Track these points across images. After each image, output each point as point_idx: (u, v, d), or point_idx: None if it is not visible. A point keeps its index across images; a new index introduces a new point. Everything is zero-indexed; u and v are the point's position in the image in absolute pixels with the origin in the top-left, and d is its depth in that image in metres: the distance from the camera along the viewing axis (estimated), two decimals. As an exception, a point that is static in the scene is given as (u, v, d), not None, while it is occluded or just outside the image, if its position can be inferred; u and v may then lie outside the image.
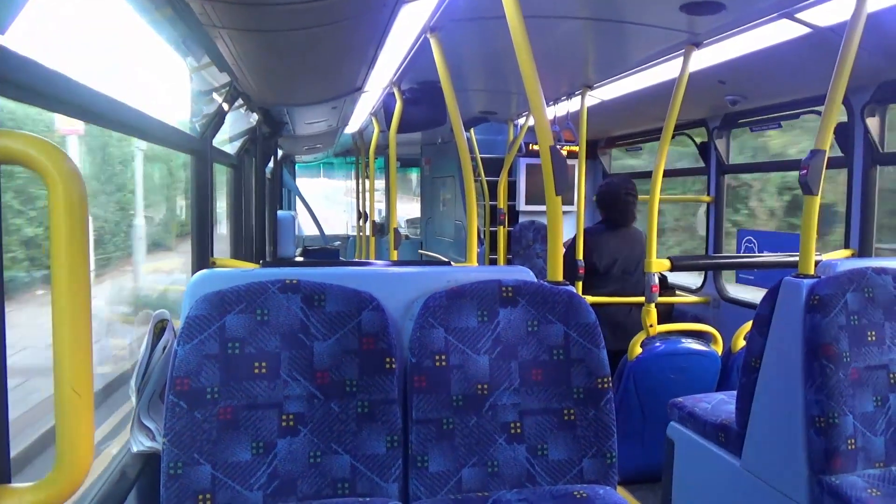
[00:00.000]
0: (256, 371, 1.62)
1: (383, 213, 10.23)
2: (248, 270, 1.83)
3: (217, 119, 2.99)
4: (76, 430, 0.88)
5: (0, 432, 1.07)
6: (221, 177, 4.40)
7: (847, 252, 3.17)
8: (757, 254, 3.95)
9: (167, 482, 1.54)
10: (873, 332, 2.06)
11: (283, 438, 1.62)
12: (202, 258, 2.89)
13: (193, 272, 1.96)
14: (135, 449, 1.65)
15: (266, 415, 1.62)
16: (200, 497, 1.55)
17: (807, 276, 2.12)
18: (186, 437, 1.55)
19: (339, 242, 10.64)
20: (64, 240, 0.85)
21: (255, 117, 4.27)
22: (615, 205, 3.87)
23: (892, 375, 2.06)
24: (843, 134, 3.15)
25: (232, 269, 1.82)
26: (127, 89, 1.98)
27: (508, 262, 5.64)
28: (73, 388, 0.86)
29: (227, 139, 4.26)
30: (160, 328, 1.79)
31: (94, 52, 1.91)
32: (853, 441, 1.97)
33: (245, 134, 4.36)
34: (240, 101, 3.57)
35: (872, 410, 2.01)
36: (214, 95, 3.18)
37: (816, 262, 2.19)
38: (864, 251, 3.14)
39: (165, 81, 2.82)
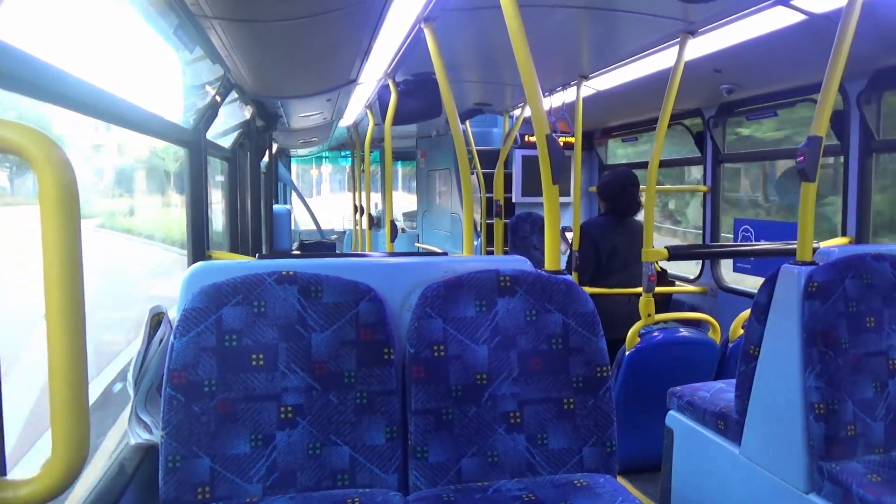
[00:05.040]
0: (254, 363, 1.61)
1: (379, 207, 10.24)
2: (244, 262, 1.82)
3: (210, 111, 2.97)
4: (70, 422, 0.87)
5: None
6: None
7: (845, 240, 3.17)
8: (754, 242, 3.95)
9: (166, 476, 1.53)
10: (872, 319, 2.06)
11: (281, 430, 1.61)
12: (198, 251, 2.88)
13: (189, 265, 1.95)
14: (133, 441, 1.64)
15: (264, 407, 1.61)
16: (199, 490, 1.54)
17: (805, 263, 2.11)
18: (184, 430, 1.55)
19: (335, 236, 10.63)
20: (55, 230, 0.84)
21: (249, 110, 4.25)
22: (620, 195, 3.87)
23: (890, 361, 2.06)
24: (839, 122, 3.14)
25: (228, 262, 1.81)
26: (119, 82, 1.96)
27: (505, 254, 5.63)
28: (65, 380, 0.85)
29: (221, 132, 4.24)
30: (157, 321, 1.77)
31: (85, 43, 1.89)
32: (853, 427, 1.97)
33: (239, 127, 4.34)
34: (233, 94, 3.54)
35: (872, 396, 2.01)
36: (208, 88, 3.16)
37: (814, 250, 2.18)
38: (861, 238, 3.13)
39: (158, 75, 2.80)
